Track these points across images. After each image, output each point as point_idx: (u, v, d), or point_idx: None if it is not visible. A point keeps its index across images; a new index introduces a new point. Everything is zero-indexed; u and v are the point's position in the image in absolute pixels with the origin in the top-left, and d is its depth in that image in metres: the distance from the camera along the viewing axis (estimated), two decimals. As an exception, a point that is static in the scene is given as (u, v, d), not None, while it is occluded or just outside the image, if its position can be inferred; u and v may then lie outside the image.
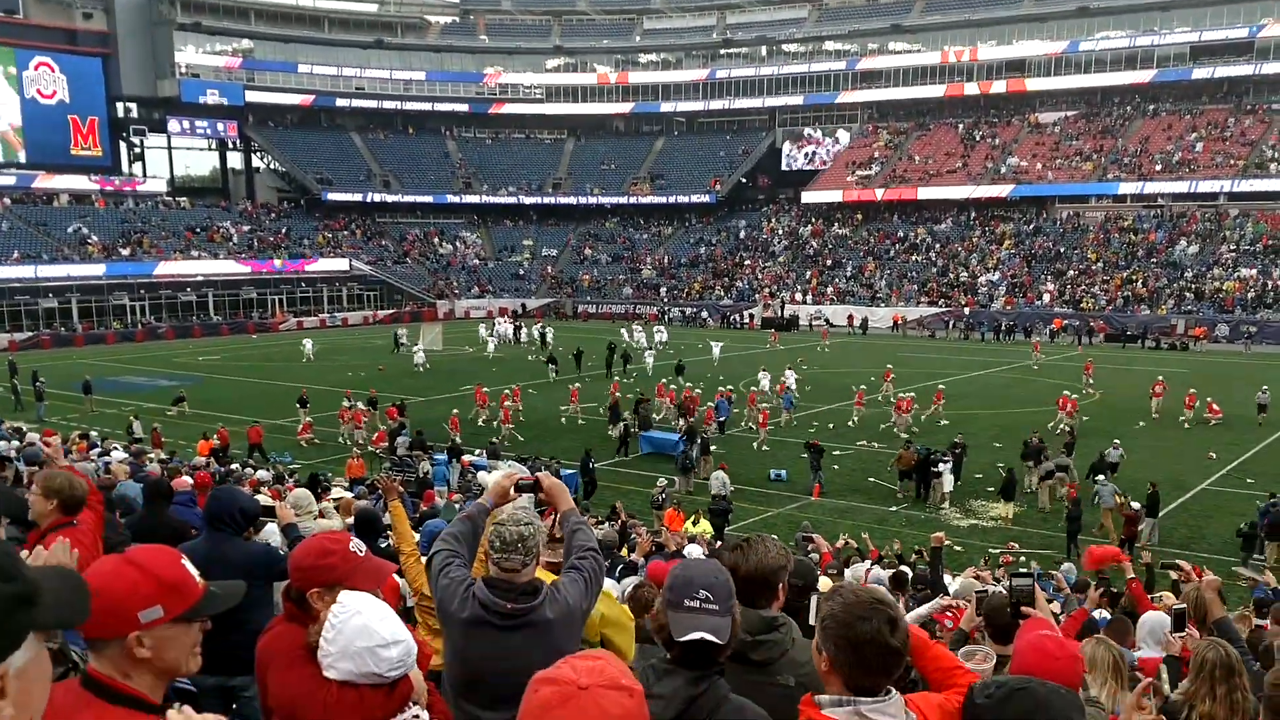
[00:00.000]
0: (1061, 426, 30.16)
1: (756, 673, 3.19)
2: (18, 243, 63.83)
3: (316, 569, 3.24)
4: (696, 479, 25.63)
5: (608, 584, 7.10)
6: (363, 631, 2.82)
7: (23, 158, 71.12)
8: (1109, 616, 9.43)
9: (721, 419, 32.28)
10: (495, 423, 32.26)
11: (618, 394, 33.51)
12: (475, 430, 31.39)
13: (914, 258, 72.13)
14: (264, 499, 10.68)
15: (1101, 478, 23.15)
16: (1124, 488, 22.45)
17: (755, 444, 29.96)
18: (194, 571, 2.36)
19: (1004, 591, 4.38)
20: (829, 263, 74.15)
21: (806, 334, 62.81)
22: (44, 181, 70.89)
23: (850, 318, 64.04)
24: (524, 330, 59.25)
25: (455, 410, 31.51)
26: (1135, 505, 20.88)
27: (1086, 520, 21.25)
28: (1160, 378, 35.25)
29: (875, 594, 2.64)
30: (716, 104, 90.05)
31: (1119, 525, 20.75)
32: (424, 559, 4.98)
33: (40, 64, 72.17)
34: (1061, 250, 67.96)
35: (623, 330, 55.82)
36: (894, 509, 23.61)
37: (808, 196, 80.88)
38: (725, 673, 2.87)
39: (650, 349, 48.45)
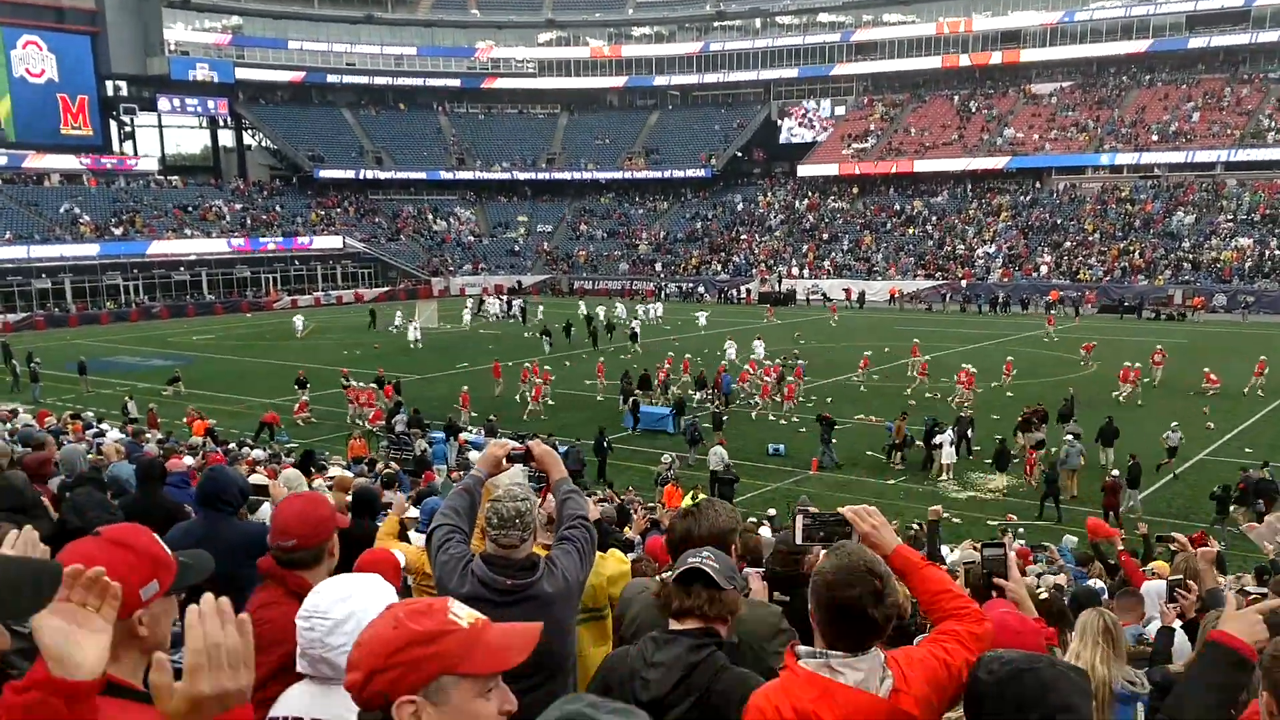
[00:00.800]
0: (1121, 397, 31.09)
1: None
2: (9, 223, 63.54)
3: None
4: (701, 453, 25.55)
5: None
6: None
7: (12, 137, 70.55)
8: (1104, 587, 9.47)
9: (725, 392, 32.43)
10: (518, 397, 32.36)
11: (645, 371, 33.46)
12: (498, 405, 31.29)
13: (910, 231, 72.01)
14: (259, 478, 10.67)
15: (1070, 437, 23.38)
16: (1117, 458, 22.69)
17: (763, 415, 30.01)
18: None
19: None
20: (825, 236, 73.99)
21: (804, 308, 62.74)
22: (34, 161, 70.49)
23: (848, 292, 63.97)
24: (514, 306, 59.57)
25: (465, 387, 31.36)
26: (1114, 473, 20.95)
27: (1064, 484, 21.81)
28: (1160, 347, 35.30)
29: (869, 561, 2.63)
30: (711, 77, 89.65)
31: (1084, 489, 21.02)
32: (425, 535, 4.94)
33: (28, 42, 71.54)
34: (1058, 222, 67.85)
35: (601, 307, 55.92)
36: (892, 482, 23.65)
37: (804, 170, 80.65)
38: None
39: (635, 320, 48.77)
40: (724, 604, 2.95)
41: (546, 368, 33.44)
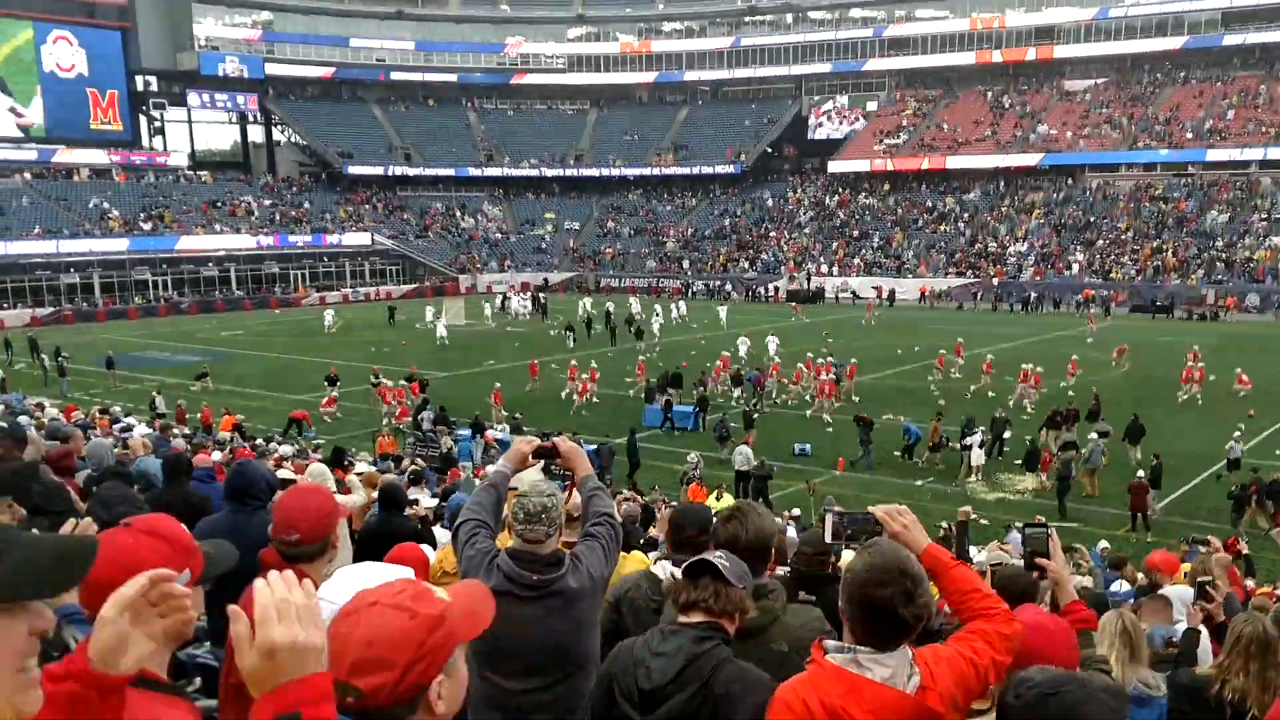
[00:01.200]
0: (1182, 397, 31.20)
1: (749, 639, 3.27)
2: (39, 217, 64.33)
3: None
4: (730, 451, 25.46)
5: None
6: None
7: (42, 132, 71.36)
8: (1130, 589, 9.41)
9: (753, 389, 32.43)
10: (564, 395, 32.52)
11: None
12: (533, 402, 31.43)
13: (942, 228, 71.64)
14: (286, 473, 10.78)
15: (1094, 436, 23.29)
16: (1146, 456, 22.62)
17: (818, 415, 29.88)
18: None
19: (1016, 569, 4.37)
20: (855, 233, 73.72)
21: (833, 306, 62.58)
22: (64, 156, 71.31)
23: (878, 289, 63.71)
24: (539, 302, 59.99)
25: (498, 384, 31.43)
26: (1141, 474, 20.79)
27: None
28: (1195, 347, 34.96)
29: (902, 561, 2.65)
30: (741, 72, 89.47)
31: (1107, 488, 20.99)
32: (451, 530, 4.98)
33: (59, 37, 72.31)
34: (1091, 220, 67.30)
35: (610, 304, 55.75)
36: (919, 483, 23.54)
37: (834, 166, 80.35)
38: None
39: (656, 318, 49.32)
40: (730, 599, 2.99)
41: (594, 365, 33.63)
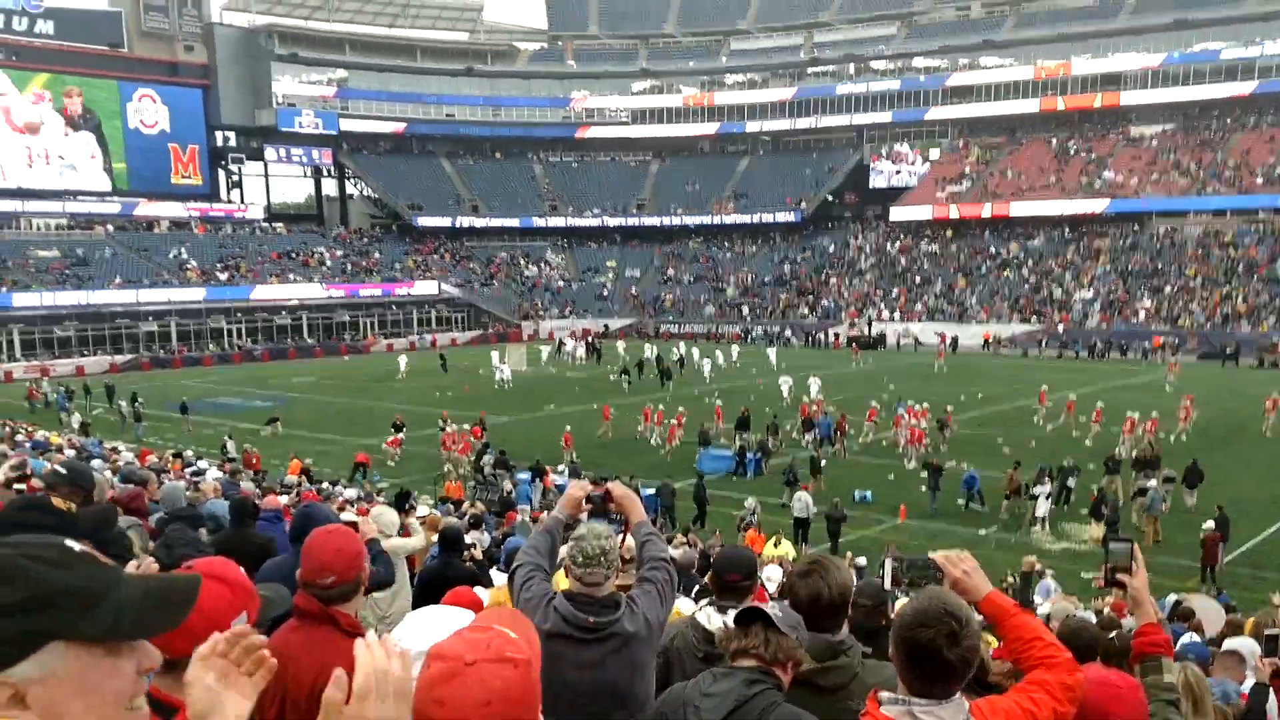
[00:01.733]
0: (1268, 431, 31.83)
1: (827, 698, 3.20)
2: (120, 268, 66.24)
3: None
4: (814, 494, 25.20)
5: (684, 604, 7.09)
6: None
7: (125, 186, 73.60)
8: (1197, 640, 9.15)
9: (823, 435, 32.23)
10: (653, 440, 32.88)
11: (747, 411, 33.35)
12: (605, 446, 31.58)
13: (1006, 274, 70.81)
14: (349, 516, 10.92)
15: (1154, 484, 22.81)
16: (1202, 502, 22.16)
17: (907, 460, 29.55)
18: None
19: (1083, 620, 4.29)
20: (917, 280, 73.17)
21: (894, 352, 62.07)
22: (145, 208, 73.59)
23: (941, 336, 62.99)
24: (595, 348, 61.03)
25: (568, 427, 31.67)
26: (1209, 525, 20.19)
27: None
28: (1276, 394, 34.00)
29: (949, 604, 2.59)
30: (803, 122, 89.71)
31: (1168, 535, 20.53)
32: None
33: (143, 95, 74.86)
34: (1159, 266, 66.09)
35: (675, 346, 57.26)
36: (983, 532, 23.12)
37: (896, 213, 79.97)
38: (792, 699, 2.94)
39: (707, 360, 50.19)
40: (782, 647, 2.93)
41: (680, 409, 33.97)
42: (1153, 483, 23.02)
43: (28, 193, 68.79)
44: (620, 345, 61.33)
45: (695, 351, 54.83)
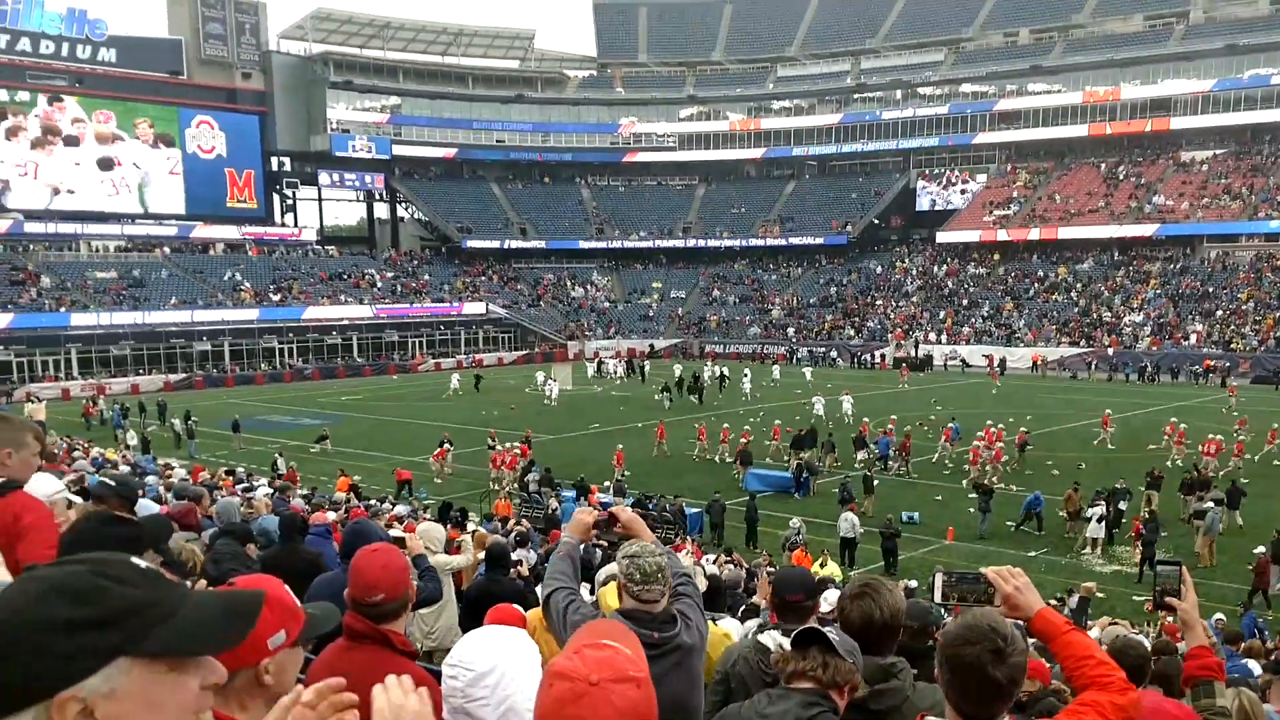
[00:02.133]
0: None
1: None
2: (175, 289, 67.40)
3: None
4: (863, 515, 24.94)
5: (729, 625, 7.00)
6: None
7: (183, 210, 74.92)
8: (1250, 663, 8.89)
9: (881, 454, 32.29)
10: (717, 459, 33.00)
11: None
12: (658, 464, 31.59)
13: (1054, 297, 69.98)
14: (396, 532, 10.92)
15: (1211, 504, 22.47)
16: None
17: (1001, 483, 29.16)
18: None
19: (1133, 639, 4.15)
20: (964, 302, 72.53)
21: (942, 374, 61.58)
22: (201, 231, 74.80)
23: (989, 358, 62.34)
24: (635, 367, 62.24)
25: (620, 445, 31.80)
26: (1260, 550, 19.70)
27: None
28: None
29: (993, 621, 2.53)
30: (849, 147, 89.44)
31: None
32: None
33: (201, 122, 76.23)
34: (1210, 290, 65.01)
35: (710, 366, 58.24)
36: (1033, 554, 22.72)
37: (943, 237, 79.44)
38: None
39: (745, 379, 51.18)
40: (839, 671, 2.88)
41: (745, 427, 34.32)
42: (1209, 505, 22.61)
43: (87, 215, 70.15)
44: (646, 365, 62.54)
45: (718, 370, 55.92)
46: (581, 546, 4.10)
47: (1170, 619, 3.46)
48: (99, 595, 1.39)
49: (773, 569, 16.30)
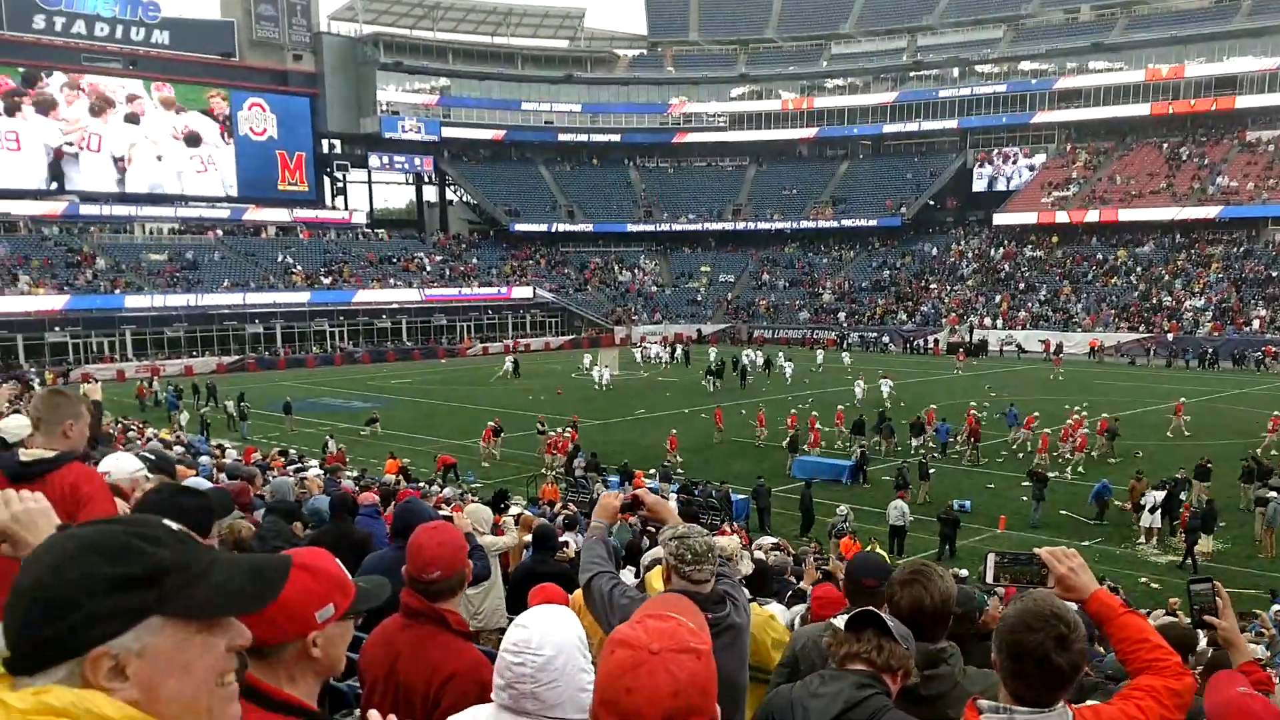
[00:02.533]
0: None
1: (927, 708, 3.16)
2: (228, 272, 68.39)
3: None
4: (912, 503, 24.78)
5: (774, 608, 7.07)
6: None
7: (235, 192, 75.89)
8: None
9: (941, 441, 32.12)
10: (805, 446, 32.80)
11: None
12: (714, 449, 31.71)
13: (1113, 281, 68.87)
14: (445, 513, 11.13)
15: (1275, 494, 22.07)
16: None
17: (1070, 469, 28.98)
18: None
19: (1188, 625, 4.15)
20: (1021, 286, 71.61)
21: (997, 359, 60.94)
22: (253, 214, 75.62)
23: (1045, 344, 61.51)
24: (677, 351, 62.46)
25: (674, 430, 31.88)
26: None
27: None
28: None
29: (1055, 607, 2.54)
30: (904, 126, 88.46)
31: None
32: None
33: (253, 104, 76.95)
34: (1274, 274, 63.59)
35: (747, 351, 57.91)
36: (1087, 543, 22.50)
37: (1000, 218, 78.39)
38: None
39: (788, 363, 51.67)
40: (893, 655, 2.89)
41: (793, 413, 34.31)
42: (1273, 493, 22.24)
43: (139, 197, 71.23)
44: (690, 350, 62.08)
45: (756, 355, 55.80)
46: (614, 529, 4.18)
47: (1210, 636, 3.40)
48: (134, 554, 1.44)
49: (820, 556, 16.34)
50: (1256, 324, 59.06)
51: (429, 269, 77.28)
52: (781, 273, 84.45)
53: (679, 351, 62.43)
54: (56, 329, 58.05)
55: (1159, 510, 22.91)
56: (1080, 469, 29.12)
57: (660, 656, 1.81)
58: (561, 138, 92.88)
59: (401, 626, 3.36)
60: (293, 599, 2.09)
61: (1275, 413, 32.86)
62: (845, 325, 72.75)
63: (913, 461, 28.49)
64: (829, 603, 5.48)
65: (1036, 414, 32.77)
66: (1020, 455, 31.31)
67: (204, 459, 18.42)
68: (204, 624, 1.50)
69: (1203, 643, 5.48)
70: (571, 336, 75.52)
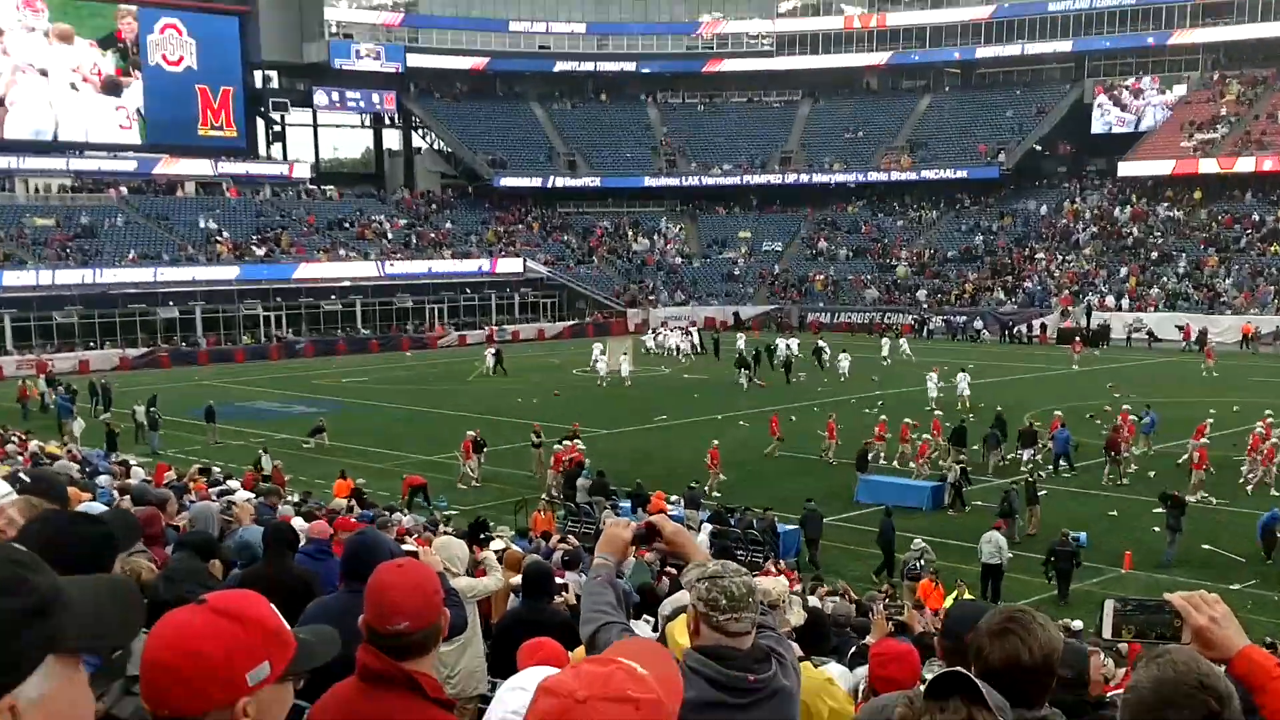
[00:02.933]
0: None
1: None
2: (134, 240, 68.33)
3: None
4: (1022, 531, 24.91)
5: (835, 670, 7.12)
6: None
7: (142, 139, 75.61)
8: None
9: (1058, 453, 32.01)
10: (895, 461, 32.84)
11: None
12: (762, 465, 31.67)
13: (1273, 249, 68.61)
14: (409, 546, 11.20)
15: None
16: None
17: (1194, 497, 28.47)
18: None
19: None
20: (1154, 255, 71.40)
21: (1123, 349, 60.76)
22: (166, 166, 75.35)
23: (1185, 329, 61.23)
24: (700, 339, 63.12)
25: (715, 440, 31.96)
26: None
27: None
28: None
29: (1204, 674, 2.51)
30: (1004, 50, 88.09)
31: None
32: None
33: (166, 26, 76.56)
34: None
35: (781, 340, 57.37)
36: (1236, 587, 22.43)
37: (1126, 168, 78.22)
38: None
39: (843, 355, 51.46)
40: None
41: (908, 420, 33.79)
42: None
43: (22, 145, 71.05)
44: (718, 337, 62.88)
45: (794, 344, 55.21)
46: (623, 566, 4.19)
47: None
48: (21, 585, 1.47)
49: (892, 602, 16.36)
50: None
51: (390, 236, 77.42)
52: (843, 239, 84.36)
53: (702, 340, 62.32)
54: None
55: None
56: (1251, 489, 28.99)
57: (587, 706, 1.85)
58: (560, 67, 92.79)
59: (359, 693, 3.25)
60: (216, 655, 2.10)
61: None
62: (925, 306, 72.62)
63: (1019, 482, 28.39)
64: (891, 660, 5.47)
65: (1210, 418, 32.42)
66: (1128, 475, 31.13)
67: (103, 479, 18.47)
68: (78, 663, 1.55)
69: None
70: (573, 322, 75.60)
